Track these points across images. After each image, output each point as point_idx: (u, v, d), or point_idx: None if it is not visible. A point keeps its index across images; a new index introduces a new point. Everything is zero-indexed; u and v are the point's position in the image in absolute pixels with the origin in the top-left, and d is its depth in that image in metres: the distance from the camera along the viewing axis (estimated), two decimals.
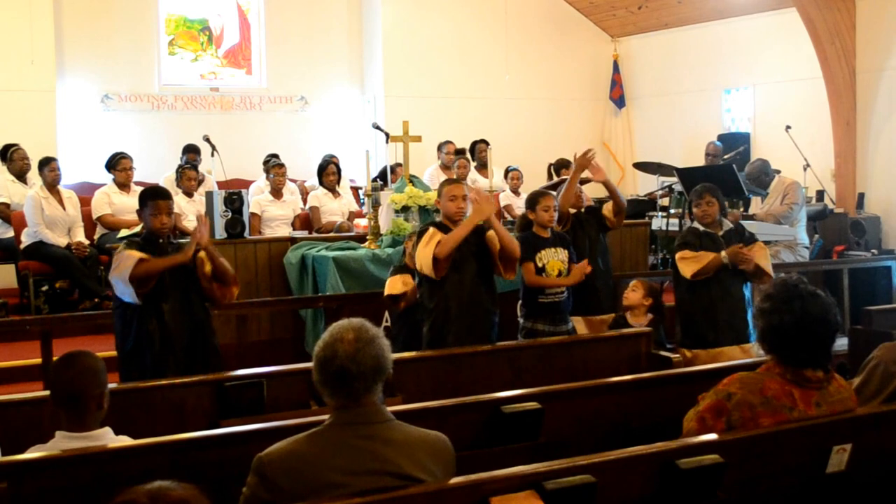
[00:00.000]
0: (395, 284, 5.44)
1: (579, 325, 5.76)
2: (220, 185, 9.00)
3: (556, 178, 9.60)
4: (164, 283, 4.65)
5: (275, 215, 8.24)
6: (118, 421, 3.14)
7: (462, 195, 5.01)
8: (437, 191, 5.28)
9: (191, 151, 9.35)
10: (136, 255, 4.52)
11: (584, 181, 6.27)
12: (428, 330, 4.96)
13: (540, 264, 5.32)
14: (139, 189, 6.59)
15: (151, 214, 4.71)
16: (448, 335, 4.88)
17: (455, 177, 8.08)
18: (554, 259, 5.38)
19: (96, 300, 7.59)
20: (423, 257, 4.83)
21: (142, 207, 4.77)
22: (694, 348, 5.33)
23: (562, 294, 5.37)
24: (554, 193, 5.59)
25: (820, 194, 9.73)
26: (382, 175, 8.51)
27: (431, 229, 4.92)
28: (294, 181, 9.27)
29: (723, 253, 5.22)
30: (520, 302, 5.80)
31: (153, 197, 4.79)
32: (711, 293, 5.30)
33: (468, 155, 10.06)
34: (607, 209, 6.00)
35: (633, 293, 5.71)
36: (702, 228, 5.41)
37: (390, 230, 6.75)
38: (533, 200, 5.44)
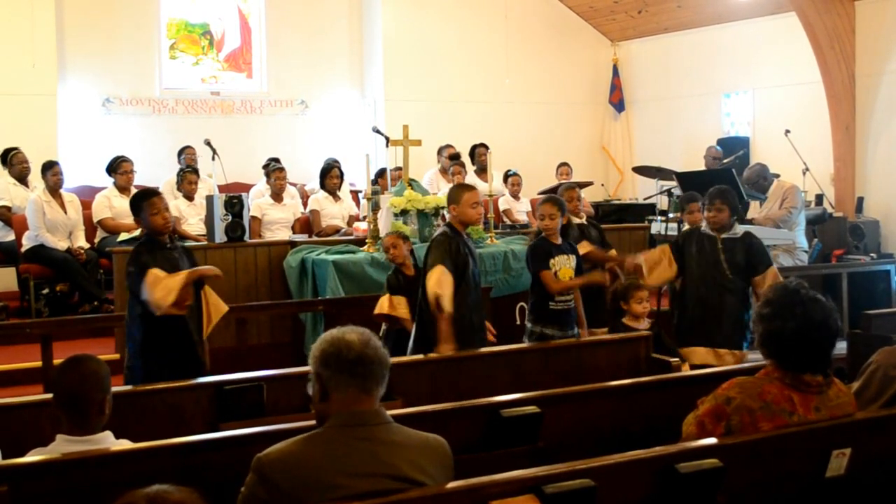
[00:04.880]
0: (382, 305, 5.46)
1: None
2: (221, 188, 9.01)
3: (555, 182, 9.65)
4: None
5: (275, 219, 8.25)
6: (118, 424, 3.13)
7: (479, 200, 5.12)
8: (448, 196, 5.17)
9: (187, 147, 9.34)
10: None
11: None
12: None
13: (552, 270, 5.31)
14: None
15: (152, 214, 4.67)
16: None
17: (455, 181, 8.09)
18: (566, 266, 5.37)
19: (96, 303, 7.60)
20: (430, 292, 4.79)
21: (137, 212, 4.73)
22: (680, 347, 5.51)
23: (570, 301, 5.39)
24: (554, 199, 5.53)
25: (819, 198, 9.73)
26: (381, 174, 8.55)
27: (440, 267, 4.79)
28: (294, 185, 9.27)
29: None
30: (521, 305, 5.79)
31: (147, 197, 4.76)
32: (699, 295, 5.42)
33: (464, 159, 10.06)
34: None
35: (643, 305, 5.73)
36: (703, 229, 5.45)
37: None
38: (537, 211, 5.41)
